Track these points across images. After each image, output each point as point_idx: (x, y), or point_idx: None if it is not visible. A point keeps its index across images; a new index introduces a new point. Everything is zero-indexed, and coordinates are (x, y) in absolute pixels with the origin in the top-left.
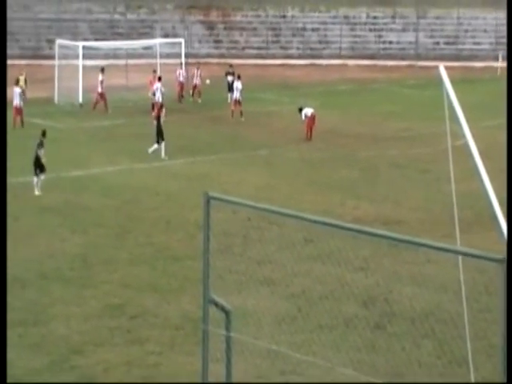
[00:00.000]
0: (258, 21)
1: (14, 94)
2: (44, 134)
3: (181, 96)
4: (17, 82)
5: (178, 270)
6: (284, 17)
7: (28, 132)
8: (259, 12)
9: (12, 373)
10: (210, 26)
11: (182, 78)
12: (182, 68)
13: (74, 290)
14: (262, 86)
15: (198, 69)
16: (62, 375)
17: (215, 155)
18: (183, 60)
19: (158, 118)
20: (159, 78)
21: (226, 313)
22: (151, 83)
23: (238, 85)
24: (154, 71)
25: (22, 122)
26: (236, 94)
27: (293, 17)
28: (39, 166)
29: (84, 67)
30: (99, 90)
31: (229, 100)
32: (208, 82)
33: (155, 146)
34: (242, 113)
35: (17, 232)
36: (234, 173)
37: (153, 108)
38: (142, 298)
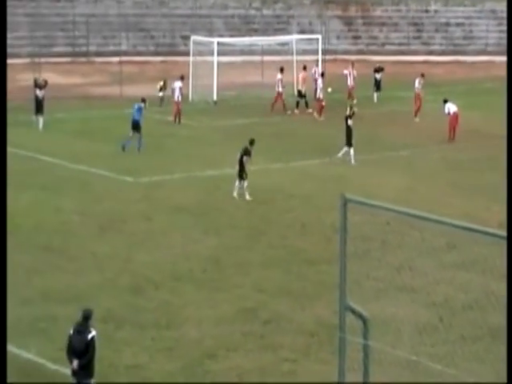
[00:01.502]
0: (399, 16)
1: (175, 89)
2: (252, 142)
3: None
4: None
5: (313, 275)
6: (427, 11)
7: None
8: (400, 7)
9: (146, 375)
10: (349, 22)
11: (317, 76)
12: (317, 65)
13: (206, 292)
14: (402, 84)
15: (352, 67)
16: (195, 379)
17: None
18: (320, 57)
19: (346, 119)
20: (322, 74)
21: (364, 320)
22: (304, 80)
23: (416, 82)
24: (305, 67)
25: (180, 118)
26: (417, 91)
27: (436, 11)
28: (242, 173)
29: (219, 64)
30: (279, 89)
31: (375, 99)
32: (330, 90)
33: (345, 149)
34: (416, 112)
35: (150, 232)
36: (373, 174)
37: (307, 105)
38: (275, 303)
